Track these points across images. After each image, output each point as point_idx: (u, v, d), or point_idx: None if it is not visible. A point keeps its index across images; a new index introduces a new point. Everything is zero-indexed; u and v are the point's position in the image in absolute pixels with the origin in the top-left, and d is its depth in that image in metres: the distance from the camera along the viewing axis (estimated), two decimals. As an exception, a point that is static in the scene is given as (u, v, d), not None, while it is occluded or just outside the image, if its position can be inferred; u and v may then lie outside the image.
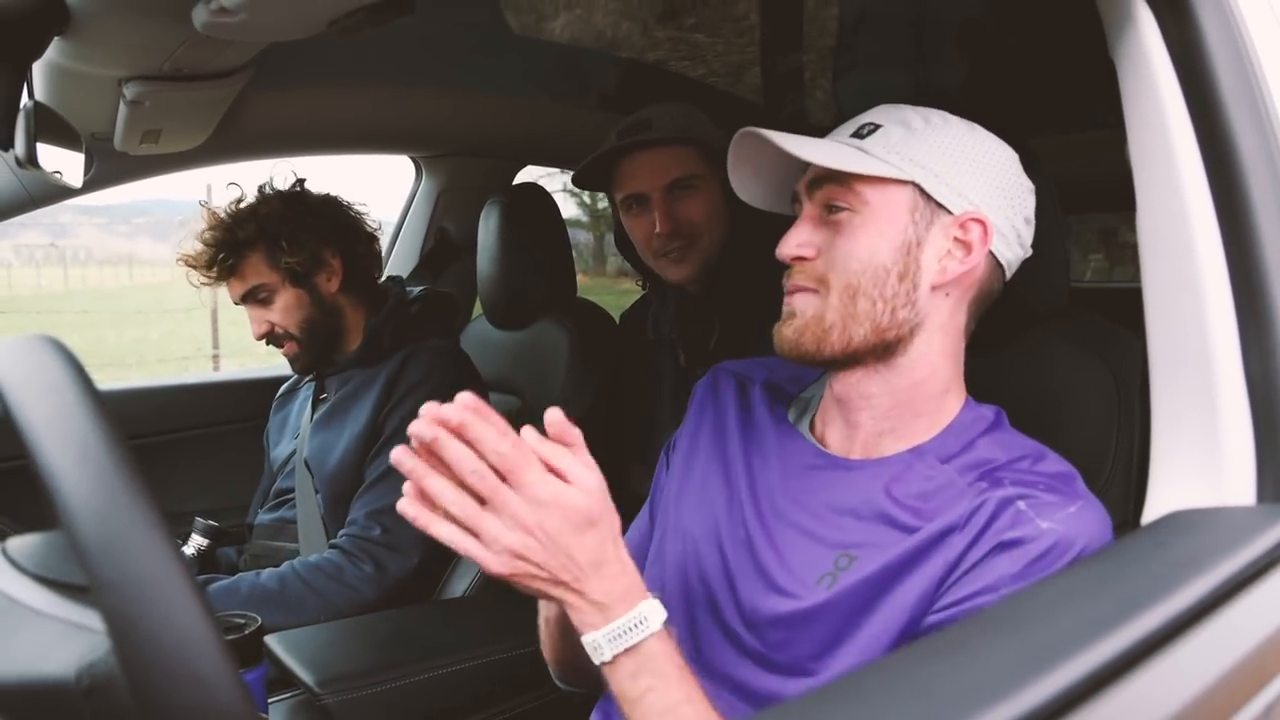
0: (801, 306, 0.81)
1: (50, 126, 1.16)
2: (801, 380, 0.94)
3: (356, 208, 1.61)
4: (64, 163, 1.22)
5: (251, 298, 1.50)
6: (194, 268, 1.50)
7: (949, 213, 0.80)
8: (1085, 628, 0.49)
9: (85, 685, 0.44)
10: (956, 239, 0.80)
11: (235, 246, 1.47)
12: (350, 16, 0.84)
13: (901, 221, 0.79)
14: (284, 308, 1.50)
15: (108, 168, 1.50)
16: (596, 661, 0.70)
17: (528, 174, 2.25)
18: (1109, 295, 2.42)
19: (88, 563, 0.41)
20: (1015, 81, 2.04)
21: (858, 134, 0.82)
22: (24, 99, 1.10)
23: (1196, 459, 0.72)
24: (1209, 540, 0.65)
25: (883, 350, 0.80)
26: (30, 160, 1.13)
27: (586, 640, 0.69)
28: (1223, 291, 0.73)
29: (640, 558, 0.94)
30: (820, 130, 0.88)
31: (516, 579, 0.67)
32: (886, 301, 0.79)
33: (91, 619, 0.46)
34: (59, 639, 0.46)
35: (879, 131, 0.81)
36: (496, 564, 0.66)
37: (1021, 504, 0.73)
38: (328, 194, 1.58)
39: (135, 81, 1.15)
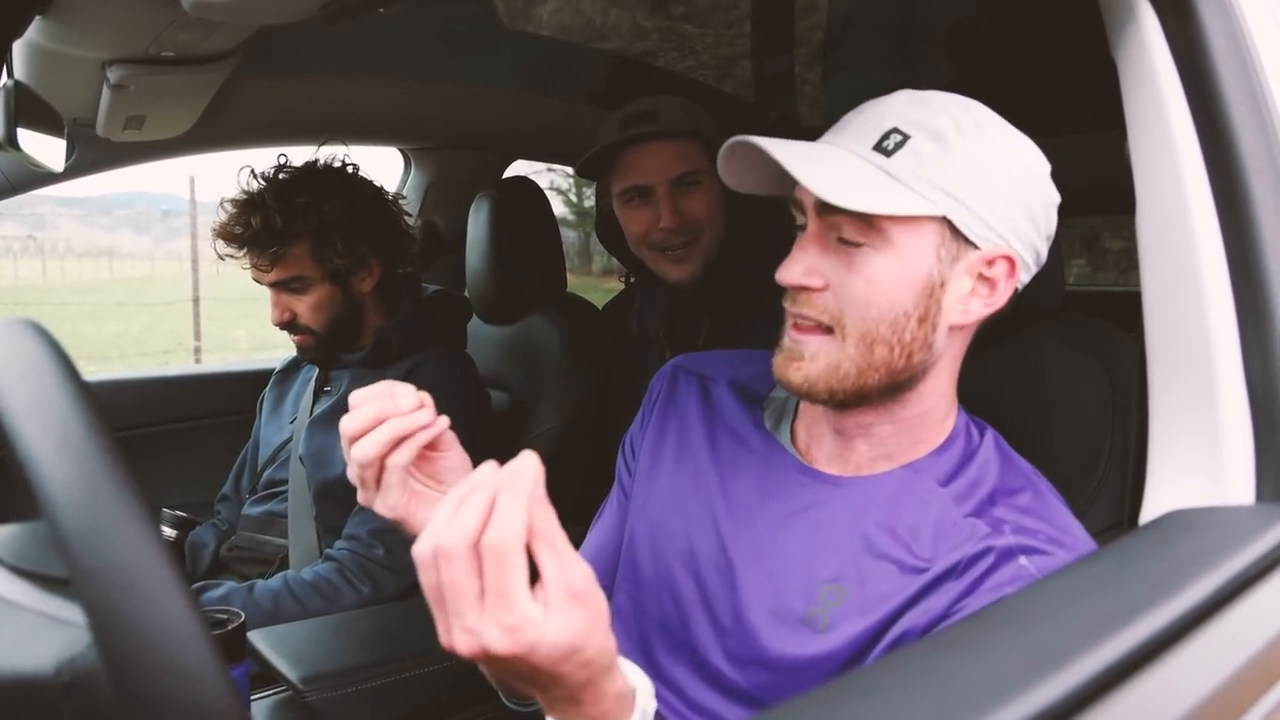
0: (813, 350, 0.73)
1: (30, 110, 1.13)
2: (769, 379, 0.83)
3: (401, 205, 1.56)
4: (44, 148, 1.19)
5: (284, 286, 1.45)
6: (227, 240, 1.41)
7: (976, 248, 0.71)
8: (1094, 626, 0.48)
9: (65, 680, 0.43)
10: (981, 276, 0.72)
11: (287, 237, 1.40)
12: (343, 0, 0.82)
13: (926, 262, 0.70)
14: (314, 303, 1.45)
15: (89, 154, 1.47)
16: None
17: (514, 170, 2.23)
18: (1093, 299, 2.43)
19: (68, 552, 0.39)
20: (1003, 84, 2.05)
21: (881, 146, 0.71)
22: (3, 80, 1.07)
23: (1196, 457, 0.72)
24: (1210, 540, 0.64)
25: (894, 389, 0.75)
26: (10, 144, 1.10)
27: None
28: (1223, 289, 0.73)
29: (605, 559, 0.90)
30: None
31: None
32: (904, 347, 0.72)
33: (71, 612, 0.44)
34: (37, 633, 0.45)
35: (907, 146, 0.70)
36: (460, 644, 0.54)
37: (1024, 559, 0.68)
38: (383, 192, 1.52)
39: (119, 65, 1.13)
